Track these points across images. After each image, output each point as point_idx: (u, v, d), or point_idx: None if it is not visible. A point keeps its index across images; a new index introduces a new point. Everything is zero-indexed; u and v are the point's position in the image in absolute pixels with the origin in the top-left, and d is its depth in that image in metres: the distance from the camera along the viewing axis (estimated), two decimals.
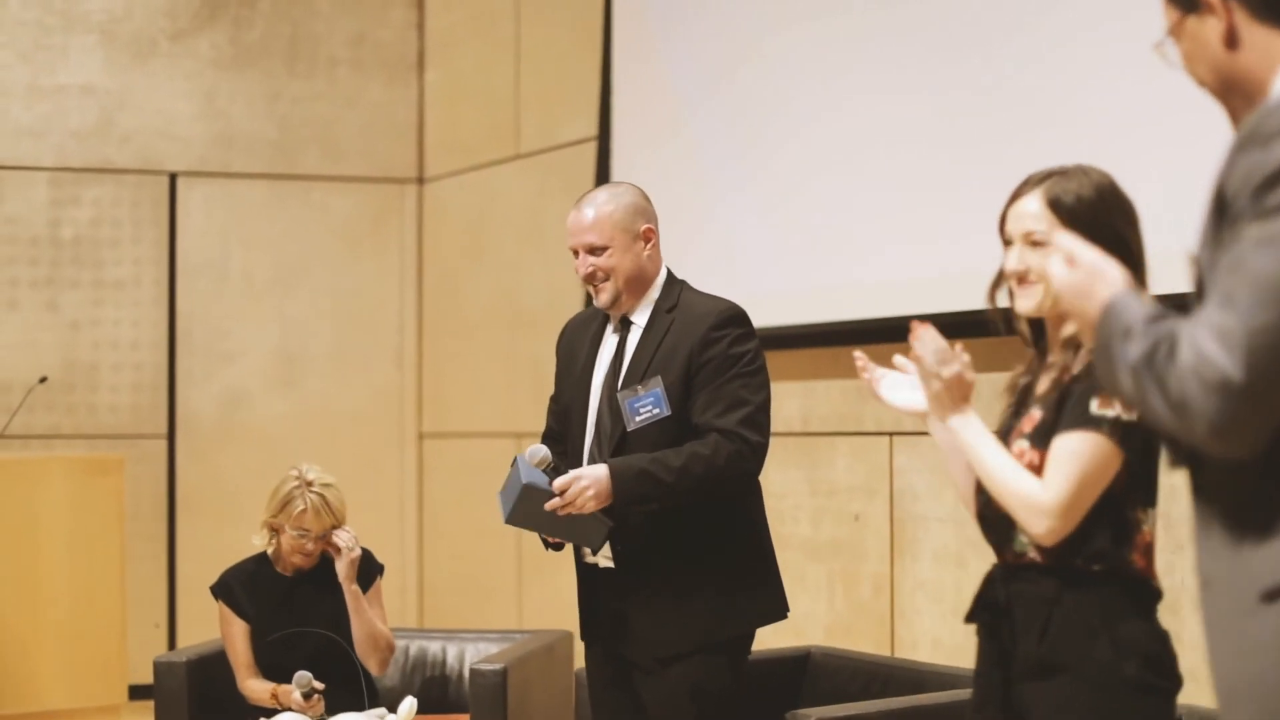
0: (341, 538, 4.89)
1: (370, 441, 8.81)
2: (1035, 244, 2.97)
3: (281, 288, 8.78)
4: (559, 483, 3.86)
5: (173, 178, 8.64)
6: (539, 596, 8.06)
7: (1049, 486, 2.86)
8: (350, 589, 4.89)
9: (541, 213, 8.13)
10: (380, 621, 4.96)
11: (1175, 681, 2.92)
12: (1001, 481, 2.90)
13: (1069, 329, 2.95)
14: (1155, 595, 2.95)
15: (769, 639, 4.34)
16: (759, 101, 6.54)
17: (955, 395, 2.96)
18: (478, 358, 8.57)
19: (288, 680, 4.76)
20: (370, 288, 8.90)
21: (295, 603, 4.98)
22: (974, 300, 5.62)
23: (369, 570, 5.00)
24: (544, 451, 3.93)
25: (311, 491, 4.92)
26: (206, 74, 8.70)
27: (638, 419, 3.98)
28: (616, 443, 3.99)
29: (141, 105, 8.60)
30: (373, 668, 4.91)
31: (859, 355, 3.20)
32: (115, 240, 8.54)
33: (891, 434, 6.09)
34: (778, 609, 4.12)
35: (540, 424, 7.89)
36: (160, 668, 5.13)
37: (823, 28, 6.25)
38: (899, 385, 3.16)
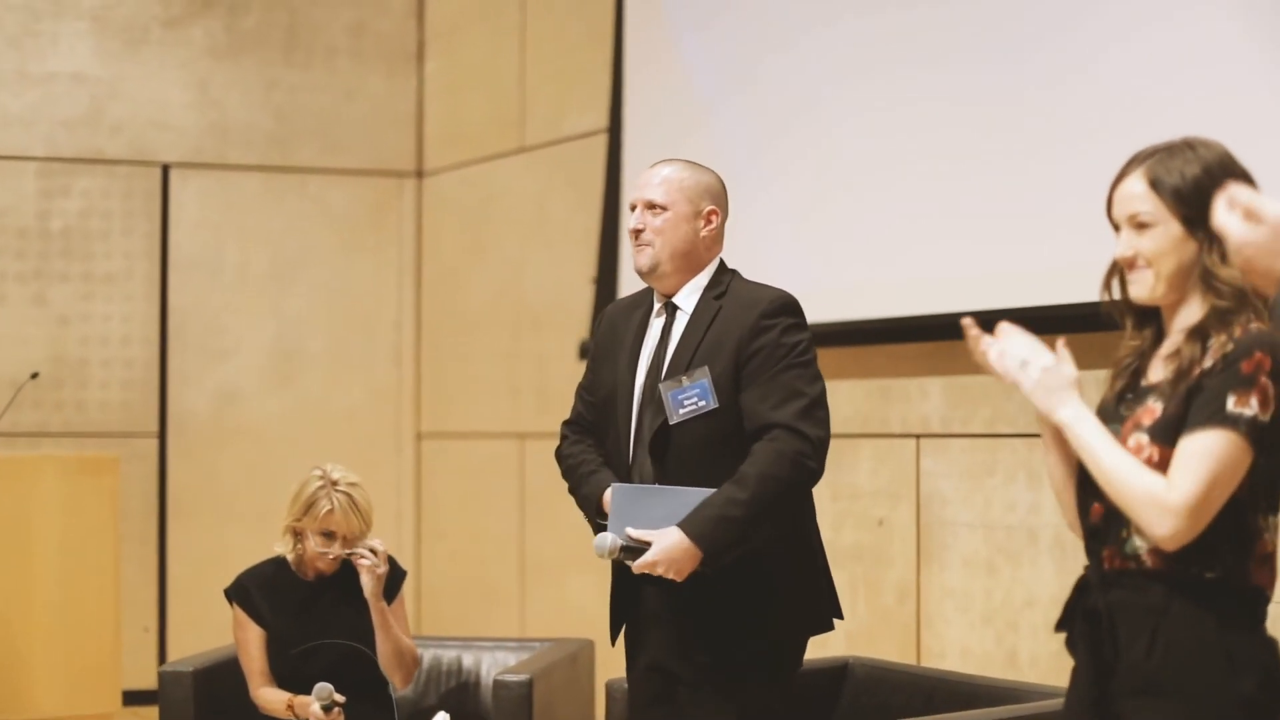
0: (366, 555, 4.65)
1: (367, 441, 8.61)
2: (1141, 226, 2.78)
3: (277, 283, 8.58)
4: (635, 568, 3.68)
5: (165, 169, 8.44)
6: (543, 602, 7.85)
7: (1177, 486, 2.66)
8: (376, 605, 4.66)
9: (547, 208, 7.93)
10: (405, 635, 4.76)
11: None
12: (1121, 479, 2.70)
13: (1190, 318, 2.76)
14: (1265, 605, 2.77)
15: None
16: (783, 96, 6.34)
17: (1058, 384, 2.76)
18: (479, 357, 8.37)
19: (306, 691, 4.54)
20: (368, 283, 8.70)
21: (316, 610, 4.77)
22: (1000, 299, 5.50)
23: (394, 579, 4.78)
24: (610, 541, 3.69)
25: (337, 491, 4.70)
26: (201, 62, 8.49)
27: (681, 411, 3.75)
28: (656, 436, 3.76)
29: (134, 94, 8.39)
30: (397, 682, 4.69)
31: (969, 322, 2.92)
32: (106, 232, 8.32)
33: (919, 436, 5.89)
34: (829, 616, 3.90)
35: (542, 425, 7.79)
36: (166, 677, 4.90)
37: (850, 22, 6.06)
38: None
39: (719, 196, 3.94)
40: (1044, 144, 5.32)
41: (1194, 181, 2.75)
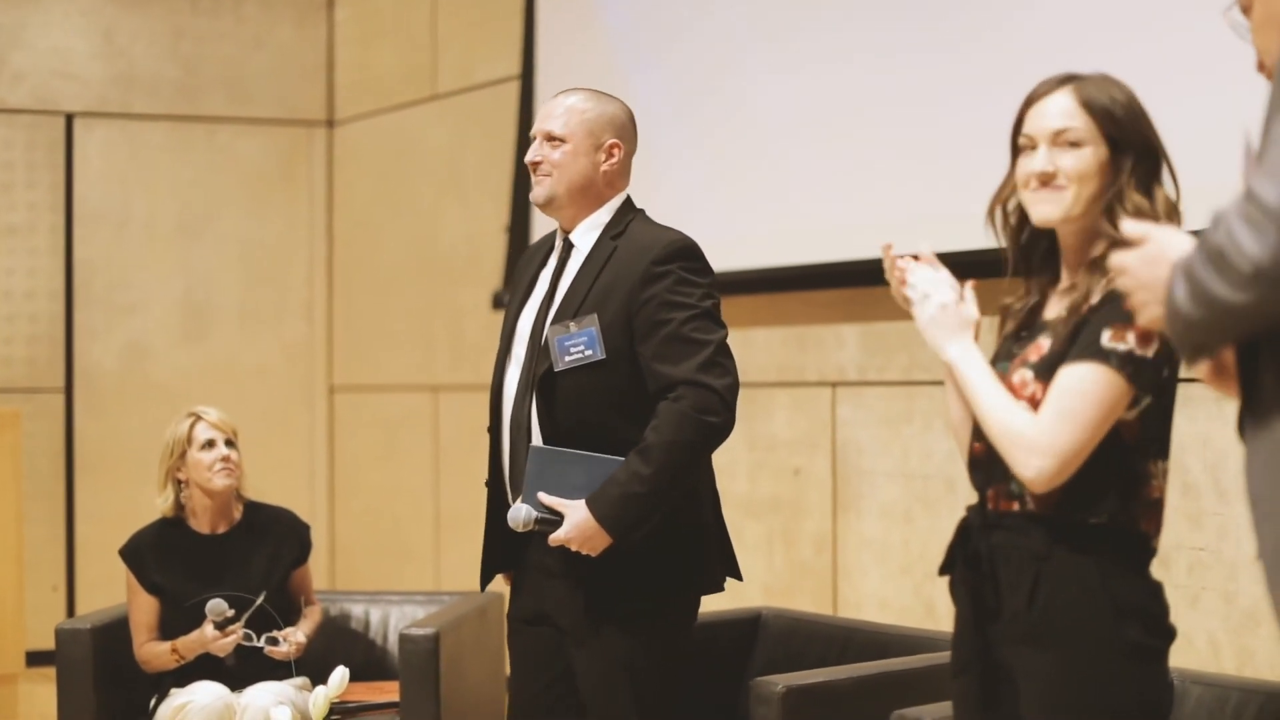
0: (281, 646, 4.60)
1: (279, 396, 8.48)
2: (1069, 144, 2.70)
3: (185, 235, 8.42)
4: (551, 542, 3.55)
5: (69, 119, 8.25)
6: (458, 557, 7.75)
7: (1042, 423, 2.58)
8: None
9: (460, 157, 7.80)
10: (311, 600, 4.80)
11: (1170, 637, 2.69)
12: (996, 418, 2.63)
13: (1092, 252, 2.69)
14: (1151, 553, 2.70)
15: (711, 601, 4.01)
16: (695, 37, 6.25)
17: (953, 322, 2.72)
18: (392, 309, 8.25)
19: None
20: (278, 235, 8.55)
21: (215, 563, 4.70)
22: (916, 245, 5.42)
23: (304, 544, 4.80)
24: (525, 514, 3.56)
25: (197, 411, 4.78)
26: (106, 10, 8.31)
27: (567, 359, 3.59)
28: (541, 382, 3.61)
29: (36, 42, 8.20)
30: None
31: (888, 245, 2.87)
32: (8, 184, 8.13)
33: (835, 384, 5.82)
34: (722, 574, 3.75)
35: (456, 377, 7.69)
36: (63, 635, 4.78)
37: None
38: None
39: (623, 129, 3.76)
40: (959, 91, 5.26)
41: (1125, 107, 2.70)
